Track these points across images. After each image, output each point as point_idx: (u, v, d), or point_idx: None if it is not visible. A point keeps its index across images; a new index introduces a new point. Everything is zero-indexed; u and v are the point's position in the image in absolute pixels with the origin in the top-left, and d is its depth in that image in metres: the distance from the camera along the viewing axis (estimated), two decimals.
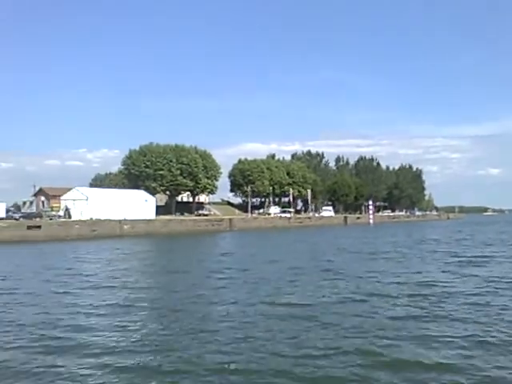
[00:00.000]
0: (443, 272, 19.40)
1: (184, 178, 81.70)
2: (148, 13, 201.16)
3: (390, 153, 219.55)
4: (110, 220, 51.70)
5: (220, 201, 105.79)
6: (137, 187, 76.49)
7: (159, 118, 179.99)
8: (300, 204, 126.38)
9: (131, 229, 51.21)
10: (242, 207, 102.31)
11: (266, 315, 11.39)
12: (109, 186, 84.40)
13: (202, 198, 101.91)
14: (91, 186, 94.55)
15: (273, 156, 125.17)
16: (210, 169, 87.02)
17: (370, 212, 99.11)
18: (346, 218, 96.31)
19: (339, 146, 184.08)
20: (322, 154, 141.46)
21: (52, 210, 68.73)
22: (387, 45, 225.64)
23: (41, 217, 62.78)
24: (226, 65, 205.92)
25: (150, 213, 69.16)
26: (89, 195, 64.34)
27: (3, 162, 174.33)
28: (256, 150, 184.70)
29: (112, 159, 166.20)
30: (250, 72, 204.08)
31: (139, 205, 67.83)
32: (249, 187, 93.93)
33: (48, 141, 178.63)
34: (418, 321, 10.76)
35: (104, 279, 18.46)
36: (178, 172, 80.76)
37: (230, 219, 67.85)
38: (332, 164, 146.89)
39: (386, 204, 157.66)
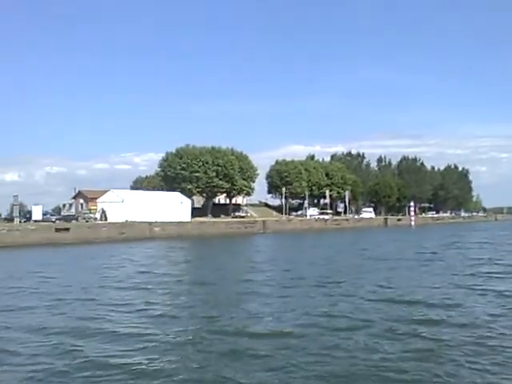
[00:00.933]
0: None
1: (220, 179, 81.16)
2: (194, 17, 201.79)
3: (438, 153, 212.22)
4: (139, 222, 51.47)
5: (257, 203, 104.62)
6: (173, 189, 76.53)
7: (205, 121, 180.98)
8: (341, 206, 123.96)
9: (162, 231, 50.79)
10: (280, 209, 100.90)
11: None
12: (147, 189, 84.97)
13: (240, 199, 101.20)
14: (132, 188, 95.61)
15: (312, 157, 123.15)
16: (247, 170, 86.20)
17: (412, 213, 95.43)
18: (386, 219, 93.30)
19: (386, 146, 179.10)
20: (363, 155, 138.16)
21: (90, 212, 69.58)
22: (436, 42, 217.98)
23: (77, 219, 63.66)
24: (271, 67, 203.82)
25: (185, 215, 68.89)
26: (124, 197, 64.66)
27: (56, 166, 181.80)
28: (299, 152, 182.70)
29: (157, 162, 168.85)
30: (295, 74, 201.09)
31: (174, 207, 67.64)
32: (283, 189, 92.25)
33: (98, 146, 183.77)
34: None
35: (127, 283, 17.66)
36: (214, 174, 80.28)
37: (264, 221, 66.62)
38: (374, 165, 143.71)
39: (431, 205, 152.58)
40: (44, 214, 68.03)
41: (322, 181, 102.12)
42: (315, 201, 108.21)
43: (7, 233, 40.02)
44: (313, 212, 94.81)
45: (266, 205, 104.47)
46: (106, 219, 62.09)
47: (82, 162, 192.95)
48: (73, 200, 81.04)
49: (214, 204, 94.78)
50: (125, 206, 62.61)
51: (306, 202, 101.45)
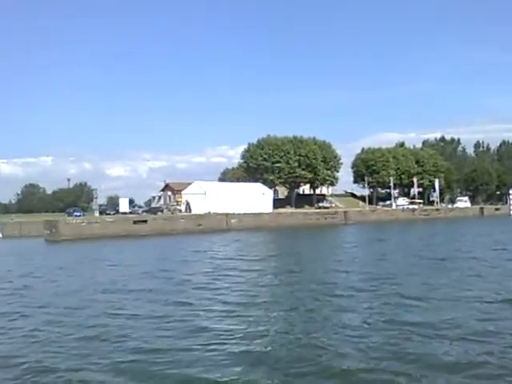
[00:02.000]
0: None
1: (303, 169, 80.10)
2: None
3: None
4: (216, 214, 51.92)
5: (343, 193, 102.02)
6: (255, 180, 76.74)
7: (296, 111, 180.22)
8: (435, 195, 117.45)
9: (238, 223, 50.84)
10: (368, 199, 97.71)
11: None
12: (231, 180, 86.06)
13: (325, 190, 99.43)
14: (220, 180, 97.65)
15: (402, 144, 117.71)
16: (330, 160, 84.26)
17: (511, 202, 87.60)
18: (481, 209, 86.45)
19: (486, 131, 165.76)
20: (458, 140, 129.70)
21: (177, 205, 71.84)
22: None
23: (162, 211, 65.94)
24: (361, 54, 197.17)
25: (267, 206, 68.73)
26: (206, 189, 65.78)
27: (156, 160, 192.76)
28: (392, 139, 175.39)
29: None
30: (392, 60, 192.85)
31: (256, 198, 67.69)
32: (366, 179, 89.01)
33: (196, 139, 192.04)
34: None
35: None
36: (296, 164, 79.35)
37: (345, 212, 64.45)
38: (471, 151, 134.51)
39: None
40: (133, 207, 71.75)
41: (411, 169, 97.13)
42: (405, 190, 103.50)
43: (87, 225, 42.09)
44: (402, 202, 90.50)
45: (353, 195, 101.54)
46: (190, 211, 63.71)
47: (181, 156, 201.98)
48: (161, 192, 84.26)
49: (299, 195, 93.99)
50: (207, 198, 63.76)
51: (394, 191, 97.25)
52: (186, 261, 23.11)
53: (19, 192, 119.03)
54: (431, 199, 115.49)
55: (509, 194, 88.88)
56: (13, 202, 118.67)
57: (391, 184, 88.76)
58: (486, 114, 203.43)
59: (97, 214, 51.54)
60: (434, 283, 14.15)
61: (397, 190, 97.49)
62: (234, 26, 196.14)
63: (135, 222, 43.61)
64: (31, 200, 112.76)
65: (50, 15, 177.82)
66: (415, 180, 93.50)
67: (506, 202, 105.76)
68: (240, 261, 22.28)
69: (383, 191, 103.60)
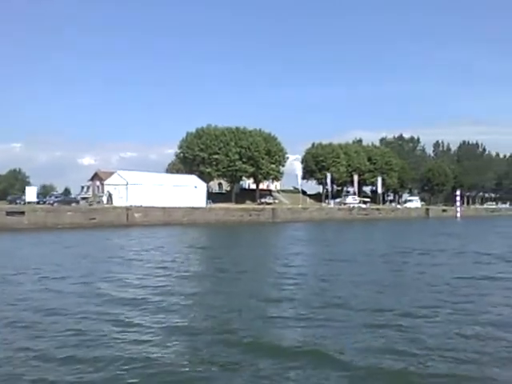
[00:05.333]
0: None
1: (243, 162, 75.05)
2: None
3: None
4: (115, 207, 46.48)
5: (292, 189, 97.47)
6: (192, 172, 71.36)
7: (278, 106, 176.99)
8: (395, 194, 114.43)
9: (143, 217, 45.35)
10: (319, 196, 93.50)
11: None
12: (172, 173, 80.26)
13: (273, 185, 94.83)
14: (166, 171, 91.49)
15: (359, 141, 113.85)
16: (275, 153, 79.33)
17: (457, 203, 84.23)
18: (427, 210, 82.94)
19: (459, 134, 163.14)
20: (418, 139, 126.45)
21: (104, 195, 66.20)
22: None
23: (78, 202, 60.01)
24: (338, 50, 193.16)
25: (199, 200, 63.63)
26: (129, 180, 60.18)
27: (129, 151, 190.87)
28: (364, 137, 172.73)
29: None
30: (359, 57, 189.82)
31: (188, 191, 62.62)
32: (318, 175, 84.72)
33: (168, 130, 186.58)
34: None
35: None
36: (237, 156, 74.24)
37: (273, 209, 59.76)
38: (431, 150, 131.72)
39: (497, 195, 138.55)
40: (50, 196, 65.33)
41: (363, 166, 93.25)
42: (359, 188, 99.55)
43: None
44: (352, 200, 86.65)
45: (302, 191, 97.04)
46: (111, 203, 58.25)
47: (154, 148, 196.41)
48: (90, 182, 78.21)
49: (243, 189, 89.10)
50: (129, 189, 58.35)
51: (350, 189, 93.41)
52: None
53: None
54: (389, 198, 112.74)
55: (455, 195, 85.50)
56: None
57: (347, 181, 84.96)
58: (462, 117, 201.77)
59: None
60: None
61: (353, 188, 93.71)
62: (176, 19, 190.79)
63: (8, 214, 37.65)
64: None
65: None
66: (355, 177, 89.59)
67: (466, 204, 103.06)
68: None
69: (338, 188, 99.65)
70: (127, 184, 59.22)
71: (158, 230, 39.73)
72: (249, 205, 72.84)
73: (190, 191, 63.37)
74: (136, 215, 44.65)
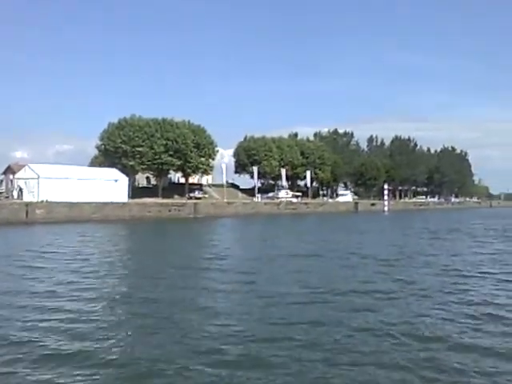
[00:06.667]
0: None
1: (170, 155, 71.73)
2: None
3: (449, 136, 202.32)
4: (12, 202, 42.52)
5: (224, 183, 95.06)
6: (113, 165, 67.37)
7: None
8: (327, 188, 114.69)
9: (46, 214, 41.58)
10: (251, 191, 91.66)
11: None
12: (95, 166, 75.67)
13: (204, 180, 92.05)
14: (90, 166, 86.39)
15: (295, 135, 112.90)
16: (204, 146, 76.48)
17: (385, 197, 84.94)
18: (356, 204, 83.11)
19: (395, 129, 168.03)
20: (352, 134, 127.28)
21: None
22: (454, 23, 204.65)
23: None
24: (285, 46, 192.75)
25: (121, 194, 60.00)
26: (40, 173, 55.71)
27: (66, 144, 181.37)
28: (305, 133, 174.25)
29: None
30: (311, 55, 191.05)
31: (107, 185, 58.92)
32: (250, 169, 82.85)
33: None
34: None
35: None
36: (163, 149, 70.83)
37: (195, 204, 57.32)
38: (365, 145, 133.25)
39: (427, 189, 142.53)
40: None
41: (295, 160, 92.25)
42: (293, 182, 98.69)
43: None
44: (284, 194, 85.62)
45: (234, 186, 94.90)
46: (22, 198, 53.76)
47: (92, 140, 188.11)
48: (3, 176, 72.45)
49: (173, 184, 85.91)
50: (41, 184, 54.02)
51: (284, 183, 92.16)
52: None
53: None
54: (323, 193, 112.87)
55: (383, 189, 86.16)
56: None
57: (280, 175, 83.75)
58: (397, 113, 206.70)
59: None
60: None
61: (287, 182, 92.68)
62: None
63: None
64: None
65: None
66: (283, 171, 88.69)
67: (397, 198, 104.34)
68: None
69: (271, 182, 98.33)
70: (38, 178, 54.88)
71: (56, 228, 36.16)
72: (176, 199, 69.84)
73: (110, 185, 59.69)
74: (38, 211, 40.75)
